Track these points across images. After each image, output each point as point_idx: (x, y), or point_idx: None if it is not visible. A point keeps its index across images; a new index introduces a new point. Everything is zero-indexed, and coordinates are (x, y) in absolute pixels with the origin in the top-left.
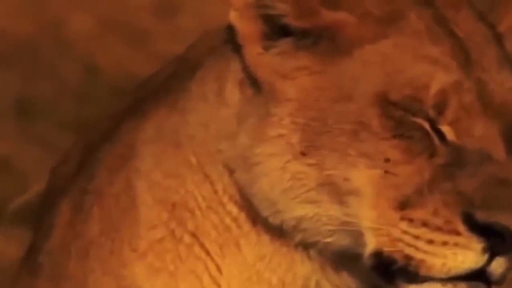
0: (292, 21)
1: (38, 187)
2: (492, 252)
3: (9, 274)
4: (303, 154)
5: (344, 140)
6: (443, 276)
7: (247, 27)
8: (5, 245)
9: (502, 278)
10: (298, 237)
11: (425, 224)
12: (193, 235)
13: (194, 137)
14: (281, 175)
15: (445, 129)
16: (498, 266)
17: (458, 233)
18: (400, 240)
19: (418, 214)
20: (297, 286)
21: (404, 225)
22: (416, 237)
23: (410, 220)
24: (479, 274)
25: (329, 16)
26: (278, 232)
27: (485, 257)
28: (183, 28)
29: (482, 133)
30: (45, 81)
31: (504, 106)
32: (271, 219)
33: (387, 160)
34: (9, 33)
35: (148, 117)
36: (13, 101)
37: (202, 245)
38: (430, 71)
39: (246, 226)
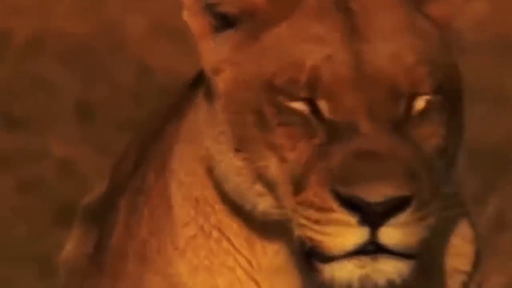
0: (225, 8)
1: (102, 186)
2: (371, 223)
3: (81, 270)
4: (237, 149)
5: (255, 131)
6: (342, 253)
7: (197, 23)
8: (78, 243)
9: (409, 247)
10: (278, 230)
11: (311, 205)
12: (219, 229)
13: (203, 132)
14: (231, 171)
15: (322, 105)
16: (388, 236)
17: (333, 210)
18: (301, 223)
19: (304, 196)
20: None
21: (300, 209)
22: (309, 219)
23: (302, 204)
24: (380, 247)
25: None
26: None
27: (366, 229)
28: None
29: (352, 105)
30: (101, 83)
31: (382, 75)
32: (253, 214)
33: (279, 148)
34: (68, 34)
35: (184, 118)
36: (73, 104)
37: (228, 239)
38: (307, 50)
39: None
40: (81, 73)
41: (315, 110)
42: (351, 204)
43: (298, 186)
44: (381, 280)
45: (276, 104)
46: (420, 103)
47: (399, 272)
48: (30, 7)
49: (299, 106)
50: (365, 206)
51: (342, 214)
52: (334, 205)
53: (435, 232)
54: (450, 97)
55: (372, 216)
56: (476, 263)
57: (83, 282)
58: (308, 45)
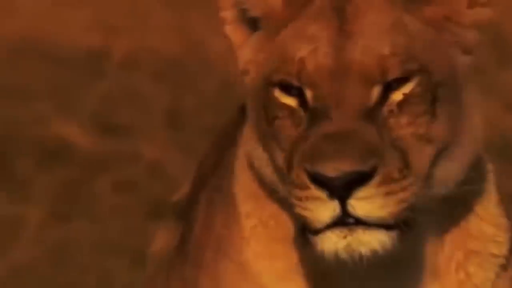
0: (253, 12)
1: (187, 186)
2: (339, 197)
3: (168, 262)
4: (259, 141)
5: (264, 124)
6: (323, 225)
7: (236, 34)
8: (167, 236)
9: (386, 215)
10: None
11: (295, 185)
12: (275, 219)
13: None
14: (262, 164)
15: (308, 94)
16: (357, 208)
17: (308, 187)
18: (292, 202)
19: (291, 177)
20: None
21: (290, 189)
22: (295, 197)
23: (290, 184)
24: (358, 220)
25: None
26: None
27: (336, 203)
28: None
29: (327, 92)
30: (188, 94)
31: (355, 65)
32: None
33: (278, 139)
34: (160, 52)
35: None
36: (163, 113)
37: (282, 227)
38: (299, 46)
39: None
40: (171, 86)
41: (303, 102)
42: (319, 181)
43: (288, 169)
44: (364, 250)
45: (272, 100)
46: (398, 95)
47: (381, 242)
48: (127, 28)
49: (290, 101)
50: (327, 181)
51: (315, 190)
52: (308, 182)
53: (429, 208)
54: (432, 89)
55: (336, 190)
56: (511, 249)
57: (169, 271)
58: (301, 42)
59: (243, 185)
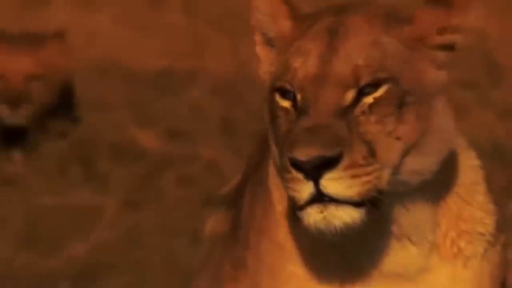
0: (270, 33)
1: (236, 179)
2: (312, 178)
3: (221, 241)
4: (271, 138)
5: (270, 125)
6: (304, 202)
7: (263, 52)
8: (217, 221)
9: (351, 194)
10: None
11: (283, 169)
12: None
13: None
14: (274, 156)
15: (298, 97)
16: (328, 188)
17: (290, 171)
18: (284, 185)
19: (282, 164)
20: None
21: (281, 173)
22: (284, 180)
23: (282, 170)
24: (332, 198)
25: (280, 22)
26: None
27: (311, 183)
28: None
29: (310, 95)
30: (239, 106)
31: (334, 73)
32: None
33: (277, 135)
34: (216, 72)
35: None
36: (219, 121)
37: None
38: (297, 59)
39: None
40: (224, 100)
41: (295, 104)
42: (296, 165)
43: (280, 157)
44: (338, 223)
45: (274, 103)
46: (369, 99)
47: (351, 217)
48: (189, 52)
49: (286, 104)
50: (301, 164)
51: (294, 173)
52: (289, 166)
53: (415, 196)
54: (400, 95)
55: (309, 172)
56: (498, 229)
57: (221, 251)
58: (298, 56)
59: (274, 178)
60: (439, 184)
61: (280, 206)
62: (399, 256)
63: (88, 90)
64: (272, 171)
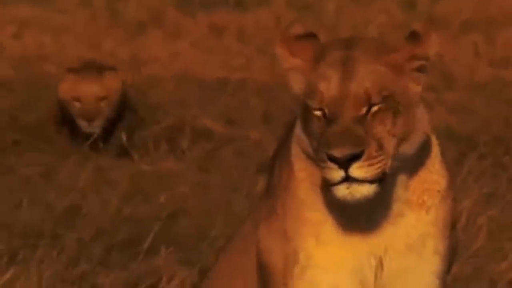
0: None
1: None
2: (344, 168)
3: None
4: (302, 131)
5: (304, 123)
6: (336, 181)
7: (292, 77)
8: (263, 184)
9: (370, 176)
10: None
11: (320, 160)
12: (312, 172)
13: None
14: (304, 142)
15: (326, 111)
16: (354, 173)
17: (326, 162)
18: (320, 169)
19: (318, 156)
20: None
21: (319, 162)
22: (321, 167)
23: (318, 160)
24: (354, 179)
25: (291, 60)
26: None
27: (342, 171)
28: None
29: (336, 110)
30: (276, 104)
31: (353, 95)
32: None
33: (311, 131)
34: (260, 80)
35: None
36: (262, 114)
37: (316, 177)
38: (320, 84)
39: None
40: (266, 99)
41: (324, 114)
42: (332, 159)
43: (316, 151)
44: (359, 196)
45: (309, 112)
46: (374, 109)
47: (368, 190)
48: (240, 65)
49: (318, 113)
50: (336, 159)
51: (330, 164)
52: (326, 160)
53: (399, 171)
54: (395, 105)
55: (341, 164)
56: (449, 187)
57: (261, 202)
58: (321, 81)
59: (296, 154)
60: (414, 161)
61: (299, 173)
62: (386, 208)
63: (173, 92)
64: (294, 149)
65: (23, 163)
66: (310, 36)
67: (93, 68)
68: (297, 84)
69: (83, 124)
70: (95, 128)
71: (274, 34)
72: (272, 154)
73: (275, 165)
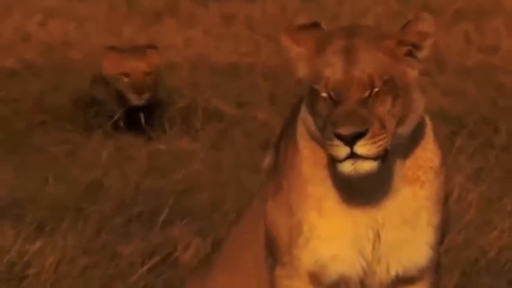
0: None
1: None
2: (349, 145)
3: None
4: (308, 112)
5: (310, 104)
6: (342, 158)
7: (299, 64)
8: (270, 160)
9: (373, 153)
10: None
11: (327, 138)
12: (316, 151)
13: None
14: (310, 123)
15: (332, 94)
16: (359, 150)
17: (333, 140)
18: (326, 147)
19: (325, 134)
20: None
21: (325, 140)
22: (327, 144)
23: (324, 138)
24: (359, 156)
25: (296, 49)
26: None
27: (348, 148)
28: None
29: (342, 93)
30: (282, 87)
31: (357, 79)
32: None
33: (316, 113)
34: (266, 65)
35: None
36: (268, 96)
37: (320, 156)
38: (326, 70)
39: None
40: (272, 82)
41: (330, 96)
42: (338, 137)
43: (323, 130)
44: (363, 171)
45: (316, 94)
46: (376, 91)
47: (371, 166)
48: (249, 51)
49: (324, 94)
50: (342, 137)
51: (336, 141)
52: (333, 137)
53: (399, 147)
54: (394, 88)
55: (347, 141)
56: (441, 164)
57: (268, 178)
58: (327, 68)
59: (301, 134)
60: (410, 140)
61: (305, 151)
62: (384, 183)
63: (187, 76)
64: (300, 128)
65: (49, 142)
66: (314, 25)
67: (137, 47)
68: (302, 70)
69: (133, 97)
70: (144, 100)
71: (280, 22)
72: (278, 134)
73: (281, 145)
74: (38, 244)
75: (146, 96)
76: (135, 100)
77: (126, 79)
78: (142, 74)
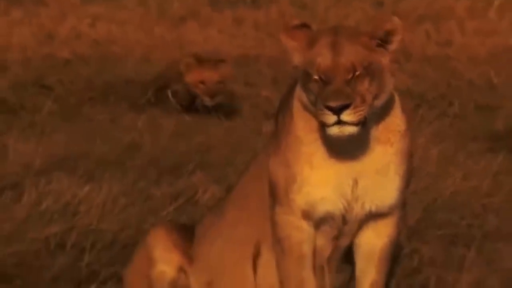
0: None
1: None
2: (337, 114)
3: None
4: (302, 90)
5: (304, 84)
6: (331, 123)
7: (295, 55)
8: (270, 128)
9: (355, 120)
10: None
11: (319, 109)
12: (309, 119)
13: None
14: (304, 98)
15: (322, 76)
16: (345, 118)
17: (323, 110)
18: (317, 117)
19: (317, 107)
20: None
21: (317, 111)
22: (319, 115)
23: (317, 110)
24: (344, 122)
25: (292, 43)
26: None
27: (335, 116)
28: None
29: (330, 76)
30: (282, 72)
31: (342, 65)
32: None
33: (310, 90)
34: (269, 56)
35: None
36: (272, 82)
37: (313, 122)
38: (317, 58)
39: None
40: (274, 69)
41: (320, 78)
42: (328, 108)
43: (315, 103)
44: (347, 133)
45: (305, 78)
46: (357, 74)
47: (353, 130)
48: (254, 45)
49: (316, 77)
50: (331, 108)
51: (326, 111)
52: (323, 108)
53: (374, 116)
54: (371, 72)
55: (335, 111)
56: (407, 128)
57: (270, 140)
58: (318, 56)
59: (296, 106)
60: (382, 110)
61: (298, 119)
62: (362, 143)
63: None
64: (295, 103)
65: (96, 113)
66: (305, 26)
67: (211, 60)
68: (296, 59)
69: (206, 99)
70: (214, 102)
71: (279, 24)
72: (277, 107)
73: (280, 115)
74: (87, 188)
75: (216, 99)
76: (207, 102)
77: (202, 86)
78: (215, 83)
